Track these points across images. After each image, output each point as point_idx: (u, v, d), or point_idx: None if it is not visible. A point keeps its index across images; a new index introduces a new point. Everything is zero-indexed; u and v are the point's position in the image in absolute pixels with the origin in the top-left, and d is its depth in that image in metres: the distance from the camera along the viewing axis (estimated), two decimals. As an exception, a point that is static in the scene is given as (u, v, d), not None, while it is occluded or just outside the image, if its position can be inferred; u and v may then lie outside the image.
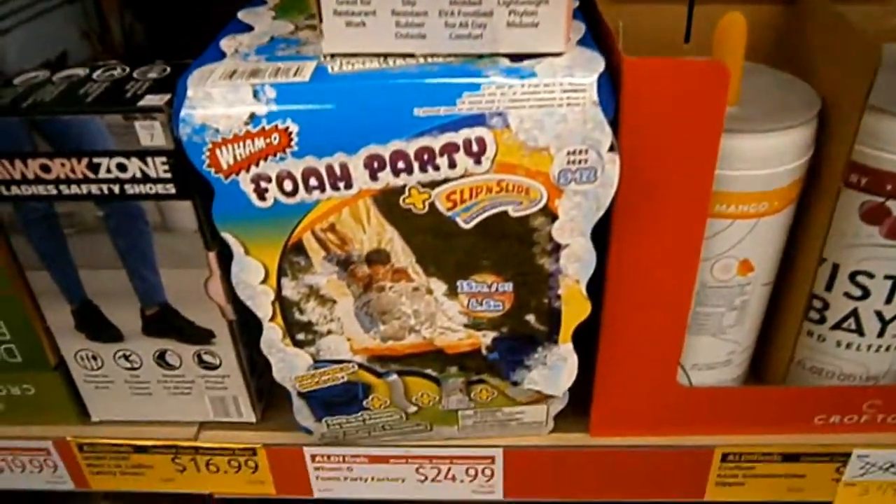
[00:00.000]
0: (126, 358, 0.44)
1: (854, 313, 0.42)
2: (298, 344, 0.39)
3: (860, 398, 0.43)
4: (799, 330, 0.43)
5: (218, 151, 0.33)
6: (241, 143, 0.33)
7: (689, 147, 0.34)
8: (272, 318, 0.38)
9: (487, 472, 0.46)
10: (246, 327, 0.44)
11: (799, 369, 0.45)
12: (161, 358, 0.44)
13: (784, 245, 0.40)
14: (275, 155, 0.33)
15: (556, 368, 0.40)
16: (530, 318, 0.38)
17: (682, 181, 0.35)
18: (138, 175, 0.38)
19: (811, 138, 0.37)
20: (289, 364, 0.40)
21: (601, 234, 0.36)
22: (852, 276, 0.41)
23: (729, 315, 0.41)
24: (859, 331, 0.42)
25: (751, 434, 0.44)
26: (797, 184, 0.38)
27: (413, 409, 0.42)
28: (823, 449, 0.44)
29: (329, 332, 0.39)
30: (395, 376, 0.41)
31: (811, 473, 0.45)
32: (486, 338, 0.39)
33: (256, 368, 0.46)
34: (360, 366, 0.40)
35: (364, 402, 0.42)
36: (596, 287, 0.38)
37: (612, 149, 0.33)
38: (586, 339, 0.40)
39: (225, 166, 0.34)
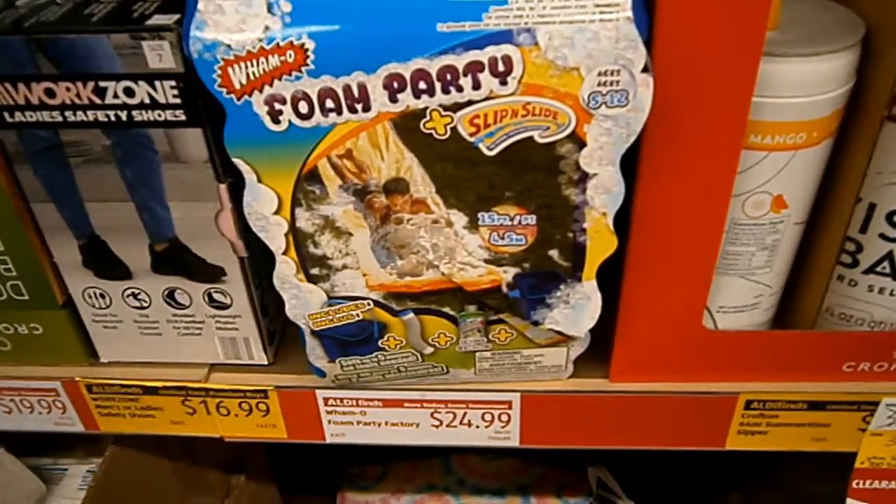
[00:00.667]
0: (135, 296, 0.43)
1: (889, 256, 0.40)
2: (312, 279, 0.38)
3: (891, 345, 0.41)
4: (830, 274, 0.41)
5: (230, 70, 0.32)
6: (255, 61, 0.32)
7: (726, 71, 0.32)
8: (285, 252, 0.37)
9: (504, 417, 0.45)
10: (258, 267, 0.42)
11: (827, 316, 0.44)
12: (170, 297, 0.43)
13: (820, 182, 0.39)
14: (290, 74, 0.32)
15: (579, 307, 0.39)
16: (553, 253, 0.37)
17: (716, 108, 0.33)
18: (146, 100, 0.36)
19: (853, 66, 0.35)
20: (302, 300, 0.39)
21: (629, 166, 0.34)
22: (889, 217, 0.39)
23: (759, 255, 0.39)
24: (893, 274, 0.41)
25: (776, 381, 0.43)
26: (837, 115, 0.36)
27: (429, 350, 0.41)
28: (851, 397, 0.43)
29: (344, 266, 0.38)
30: (411, 315, 0.39)
31: (836, 422, 0.44)
32: (506, 274, 0.38)
33: (268, 310, 0.45)
34: (376, 303, 0.39)
35: (379, 342, 0.41)
36: (622, 223, 0.36)
37: (645, 69, 0.31)
38: (609, 280, 0.39)
39: (237, 86, 0.32)
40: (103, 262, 0.42)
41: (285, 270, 0.38)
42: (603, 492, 0.95)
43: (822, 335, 0.42)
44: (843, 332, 0.42)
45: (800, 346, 0.42)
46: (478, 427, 0.45)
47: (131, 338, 0.45)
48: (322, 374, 0.43)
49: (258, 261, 0.42)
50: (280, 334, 0.48)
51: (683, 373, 0.43)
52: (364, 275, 0.38)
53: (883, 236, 0.40)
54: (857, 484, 0.46)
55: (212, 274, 0.42)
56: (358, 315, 0.39)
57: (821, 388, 0.43)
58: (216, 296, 0.43)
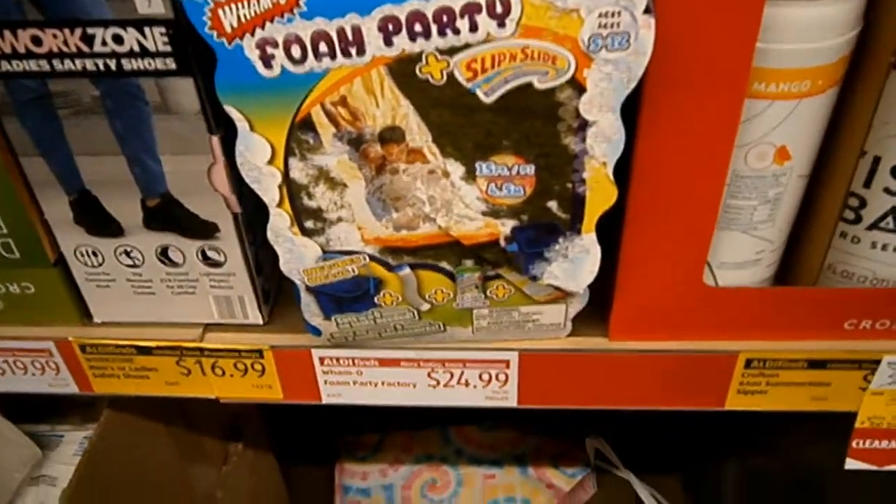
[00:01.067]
0: (127, 254, 0.43)
1: (893, 211, 0.40)
2: (307, 233, 0.37)
3: (893, 302, 0.41)
4: (833, 229, 0.41)
5: (220, 12, 0.31)
6: (246, 2, 0.31)
7: (730, 14, 0.31)
8: (279, 204, 0.36)
9: (502, 376, 0.44)
10: (252, 224, 0.42)
11: (829, 274, 0.43)
12: (163, 254, 0.42)
13: (824, 132, 0.38)
14: (282, 16, 0.31)
15: (578, 261, 0.38)
16: (552, 204, 0.36)
17: (720, 52, 0.32)
18: (136, 48, 0.35)
19: (860, 11, 0.34)
20: (297, 255, 0.38)
21: (630, 115, 0.34)
22: (894, 171, 0.38)
23: (761, 209, 0.39)
24: (897, 230, 0.40)
25: (777, 339, 0.42)
26: (842, 62, 0.35)
27: (426, 307, 0.41)
28: (852, 355, 0.43)
29: (339, 219, 0.37)
30: (407, 270, 0.39)
31: (837, 381, 0.44)
32: (504, 227, 0.37)
33: (263, 269, 0.45)
34: (372, 258, 0.38)
35: (375, 299, 0.40)
36: (622, 174, 0.35)
37: (647, 10, 0.30)
38: (608, 236, 0.38)
39: (228, 29, 0.31)
40: (95, 219, 0.41)
41: (279, 223, 0.37)
42: (601, 462, 0.96)
43: (823, 292, 0.41)
44: (844, 290, 0.42)
45: (801, 303, 0.41)
46: (475, 387, 0.45)
47: (125, 297, 0.45)
48: (318, 332, 0.43)
49: (252, 218, 0.41)
50: (275, 294, 0.47)
51: (683, 331, 0.42)
52: (359, 228, 0.37)
53: (888, 191, 0.39)
54: (857, 444, 0.46)
55: (205, 230, 0.41)
56: (353, 270, 0.39)
57: (821, 346, 0.43)
58: (210, 253, 0.42)
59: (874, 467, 0.47)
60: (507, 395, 0.45)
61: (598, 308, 0.43)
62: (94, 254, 0.43)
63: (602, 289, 0.41)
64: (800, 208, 0.41)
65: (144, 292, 0.44)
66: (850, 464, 0.47)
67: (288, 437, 0.89)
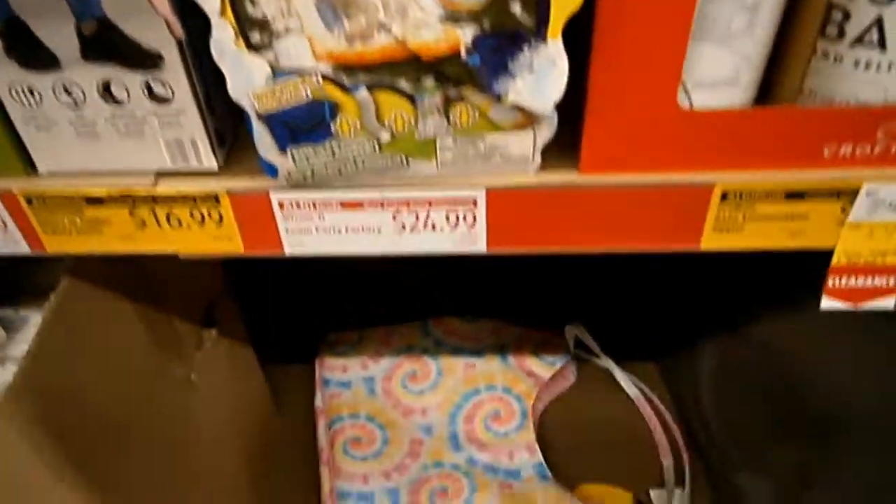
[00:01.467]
0: (67, 91, 0.40)
1: (878, 23, 0.37)
2: (254, 48, 0.35)
3: (875, 122, 0.39)
4: (814, 47, 0.39)
5: None
6: None
7: None
8: (222, 13, 0.34)
9: (469, 217, 0.43)
10: (200, 59, 0.39)
11: (810, 101, 0.42)
12: (106, 90, 0.40)
13: (807, -73, 0.35)
14: None
15: (543, 75, 0.36)
16: (515, 7, 0.33)
17: None
18: None
19: None
20: (245, 76, 0.36)
21: None
22: (879, -25, 0.36)
23: (739, 17, 0.36)
24: (882, 44, 0.38)
25: (754, 168, 0.41)
26: None
27: (386, 136, 0.39)
28: (831, 184, 0.41)
29: (287, 30, 0.34)
30: (364, 91, 0.37)
31: (815, 214, 0.42)
32: (465, 36, 0.34)
33: (215, 109, 0.42)
34: (325, 77, 0.36)
35: (332, 127, 0.38)
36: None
37: None
38: (577, 62, 0.36)
39: None
40: (27, 49, 0.38)
41: (223, 36, 0.35)
42: (580, 351, 0.96)
43: (802, 111, 0.39)
44: (825, 108, 0.40)
45: (779, 124, 0.39)
46: (443, 230, 0.43)
47: (69, 143, 0.42)
48: (274, 171, 0.41)
49: (200, 52, 0.39)
50: (231, 140, 0.45)
51: (657, 161, 0.41)
52: (309, 39, 0.35)
53: (873, 0, 0.37)
54: (834, 282, 0.45)
55: (148, 59, 0.38)
56: (306, 92, 0.36)
57: (799, 175, 0.41)
58: (155, 87, 0.40)
59: (850, 306, 0.46)
60: (476, 239, 0.44)
61: (568, 145, 0.41)
62: (31, 92, 0.40)
63: (572, 122, 0.39)
64: (780, 27, 0.39)
65: (89, 136, 0.42)
66: (826, 303, 0.46)
67: (268, 337, 0.89)
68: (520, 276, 0.95)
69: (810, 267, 0.46)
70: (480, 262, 0.99)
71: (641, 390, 0.92)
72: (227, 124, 0.44)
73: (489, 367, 0.90)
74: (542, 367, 0.91)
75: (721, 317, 0.83)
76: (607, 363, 0.94)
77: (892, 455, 0.58)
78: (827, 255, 0.44)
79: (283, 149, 0.39)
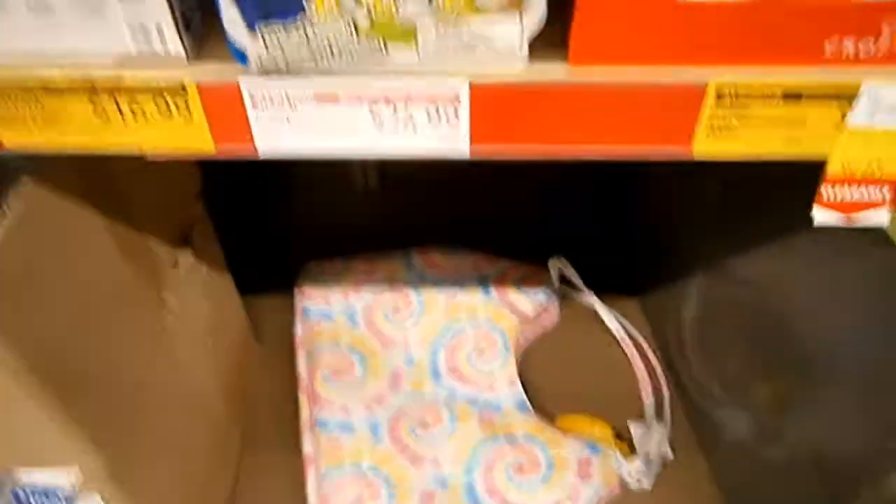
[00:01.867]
0: (19, -37, 0.37)
1: None
2: None
3: (880, 13, 0.37)
4: (821, -69, 0.36)
5: None
6: None
7: None
8: None
9: (451, 114, 0.40)
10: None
11: (812, -4, 0.39)
12: (61, -37, 0.37)
13: None
14: None
15: (533, -53, 0.33)
16: None
17: None
18: None
19: None
20: (209, -59, 0.33)
21: None
22: None
23: None
24: (892, -71, 0.36)
25: (751, 63, 0.39)
26: None
27: (364, 17, 0.36)
28: (829, 88, 0.39)
29: None
30: (339, -38, 0.34)
31: (812, 118, 0.40)
32: None
33: (181, -8, 0.39)
34: (297, -55, 0.33)
35: (304, 2, 0.35)
36: None
37: None
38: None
39: None
40: (-27, -88, 0.35)
41: None
42: (563, 284, 0.95)
43: (804, 1, 0.37)
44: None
45: (778, 15, 0.37)
46: (423, 127, 0.41)
47: (23, 24, 0.39)
48: (244, 59, 0.38)
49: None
50: (200, 28, 0.42)
51: (649, 53, 0.38)
52: None
53: None
54: (827, 193, 0.44)
55: (105, -73, 0.36)
56: (276, -39, 0.34)
57: (798, 74, 0.39)
58: (115, -39, 0.37)
59: (843, 219, 0.44)
60: (458, 139, 0.42)
61: (558, 44, 0.39)
62: (-20, -37, 0.37)
63: (563, 17, 0.37)
64: None
65: (45, 16, 0.39)
66: (819, 216, 0.44)
67: (248, 267, 0.87)
68: (503, 209, 0.93)
69: (795, 201, 0.45)
70: (463, 190, 0.97)
71: (623, 326, 0.92)
72: (194, 8, 0.41)
73: (472, 299, 0.89)
74: (526, 302, 0.90)
75: (703, 252, 0.82)
76: (590, 297, 0.93)
77: (871, 388, 0.58)
78: (813, 180, 0.43)
79: (251, 26, 0.36)
